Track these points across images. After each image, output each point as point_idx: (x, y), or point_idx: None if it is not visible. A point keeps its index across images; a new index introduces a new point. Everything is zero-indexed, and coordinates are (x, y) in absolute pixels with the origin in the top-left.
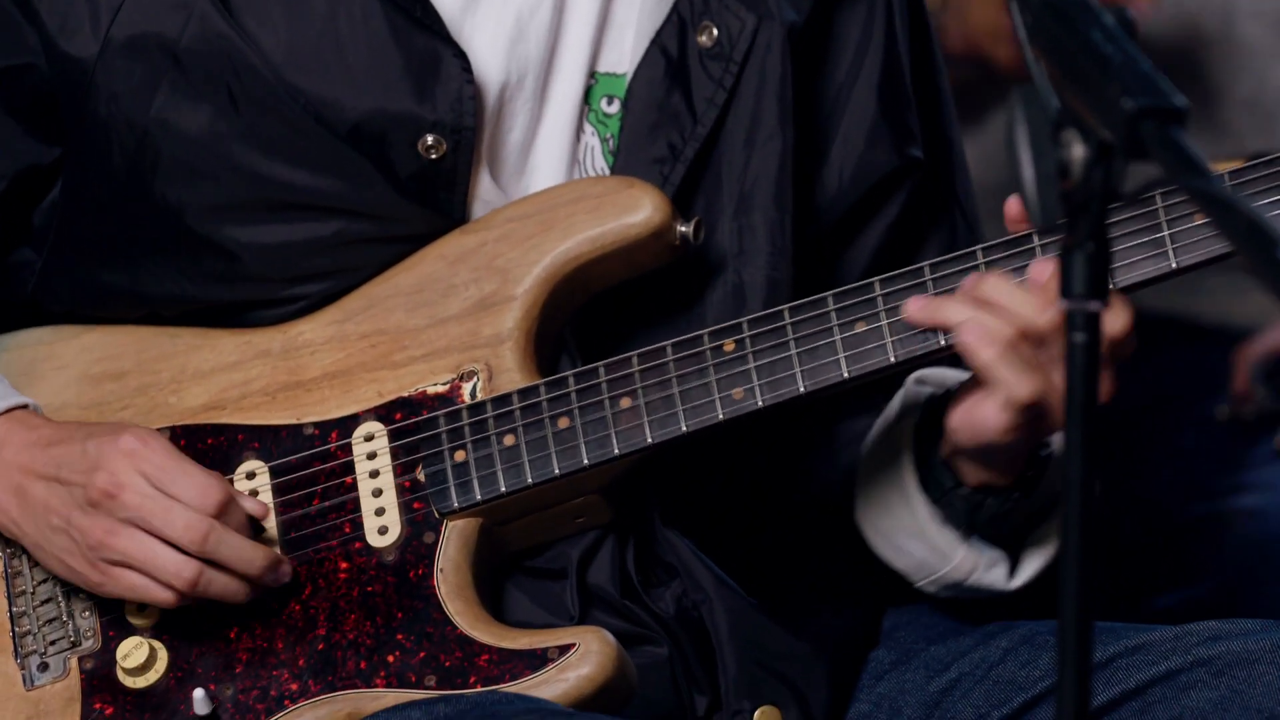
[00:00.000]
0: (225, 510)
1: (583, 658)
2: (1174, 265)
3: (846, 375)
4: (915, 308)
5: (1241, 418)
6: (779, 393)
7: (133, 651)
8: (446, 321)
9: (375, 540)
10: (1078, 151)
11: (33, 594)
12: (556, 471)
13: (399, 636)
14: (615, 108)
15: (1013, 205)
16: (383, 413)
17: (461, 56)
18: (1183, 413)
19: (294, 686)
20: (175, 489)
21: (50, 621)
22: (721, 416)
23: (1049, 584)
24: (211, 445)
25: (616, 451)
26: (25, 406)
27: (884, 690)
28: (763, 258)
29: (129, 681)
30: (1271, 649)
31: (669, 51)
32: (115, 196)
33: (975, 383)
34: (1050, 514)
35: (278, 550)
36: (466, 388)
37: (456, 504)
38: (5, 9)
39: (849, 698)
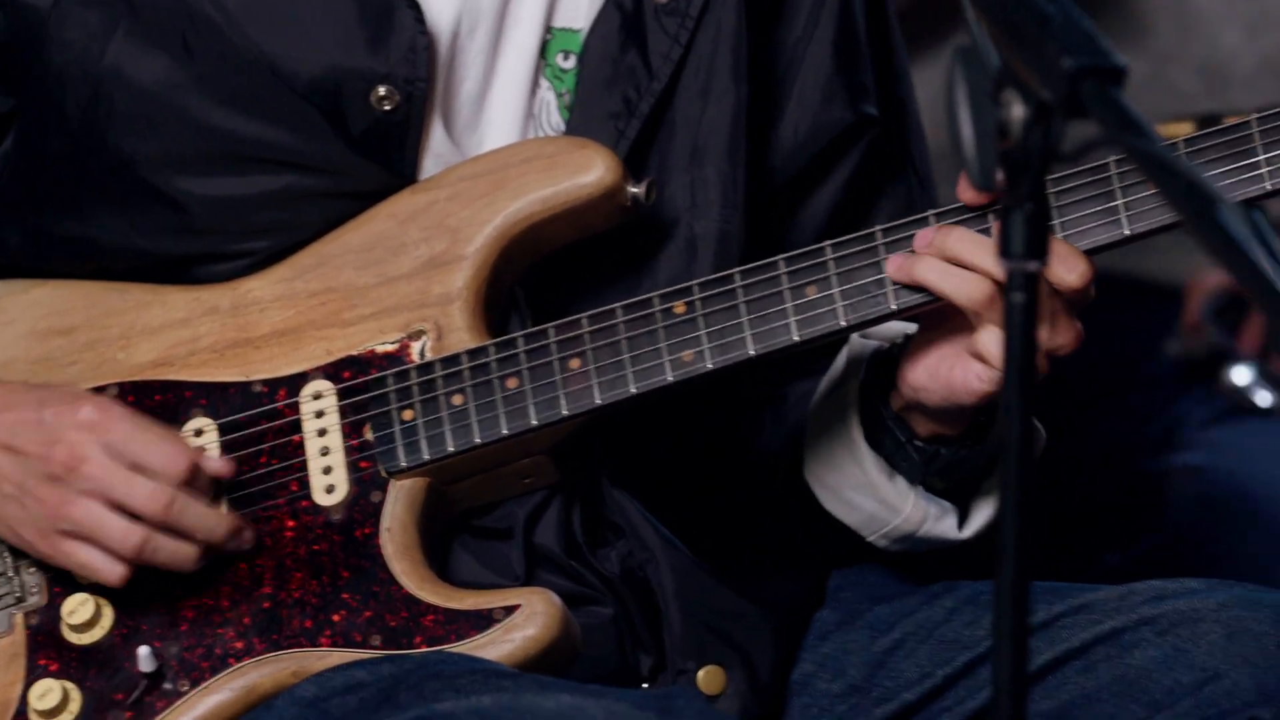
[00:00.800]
0: (192, 477)
1: (528, 619)
2: (1127, 232)
3: (797, 339)
4: (897, 264)
5: (1190, 356)
6: (729, 355)
7: (78, 608)
8: (396, 280)
9: (322, 499)
10: (1017, 111)
11: None
12: (505, 432)
13: (345, 596)
14: (571, 63)
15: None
16: (331, 371)
17: (414, 6)
18: (1127, 371)
19: (239, 645)
20: (140, 458)
21: None
22: (671, 379)
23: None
24: (159, 402)
25: (565, 412)
26: None
27: (829, 650)
28: (715, 210)
29: (74, 638)
30: (1215, 608)
31: (625, 7)
32: (68, 147)
33: (937, 338)
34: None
35: (238, 516)
36: (415, 347)
37: (404, 463)
38: None
39: (794, 658)
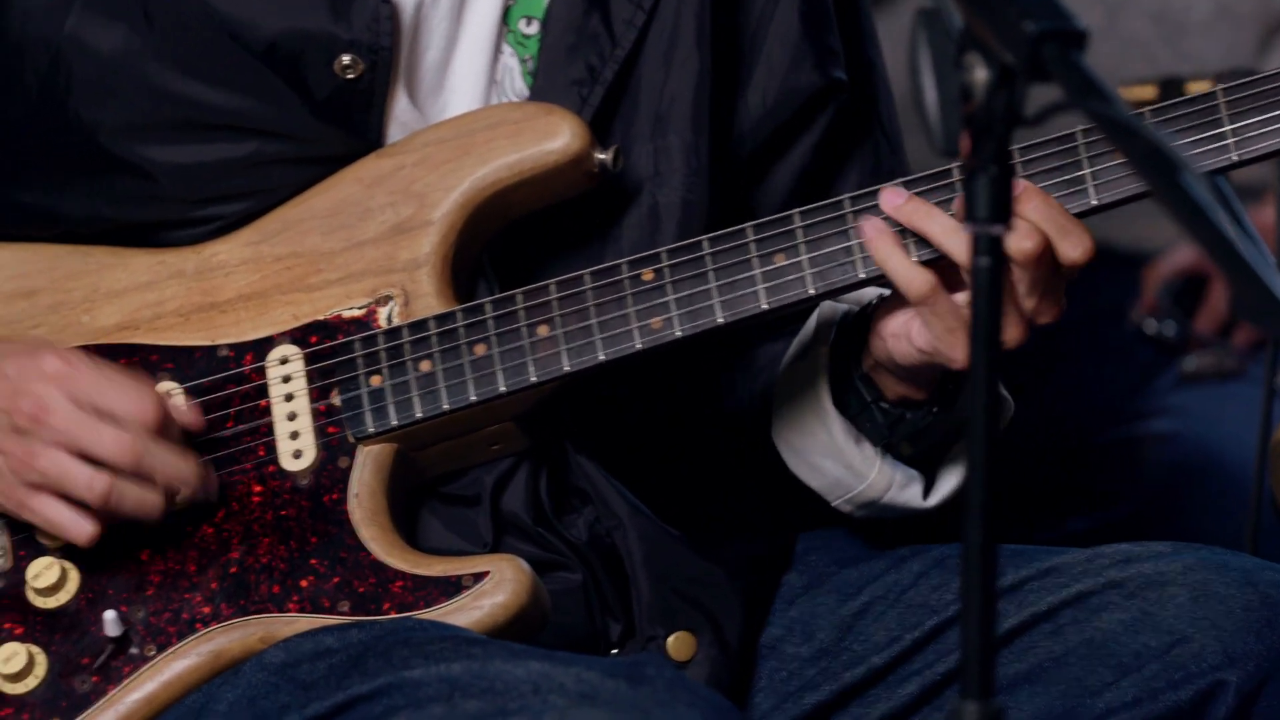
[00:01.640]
0: (161, 424)
1: (497, 585)
2: (1094, 202)
3: (765, 306)
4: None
5: (1154, 337)
6: (698, 323)
7: (43, 572)
8: (363, 245)
9: (289, 464)
10: (980, 74)
11: None
12: (473, 398)
13: (313, 561)
14: (534, 29)
15: None
16: (298, 336)
17: None
18: (1097, 337)
19: (206, 610)
20: (108, 405)
21: None
22: (640, 346)
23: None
24: (124, 366)
25: (533, 379)
26: None
27: (796, 614)
28: (678, 179)
29: (39, 602)
30: (1182, 570)
31: None
32: (29, 115)
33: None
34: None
35: (205, 464)
36: (383, 312)
37: (372, 429)
38: None
39: (763, 622)
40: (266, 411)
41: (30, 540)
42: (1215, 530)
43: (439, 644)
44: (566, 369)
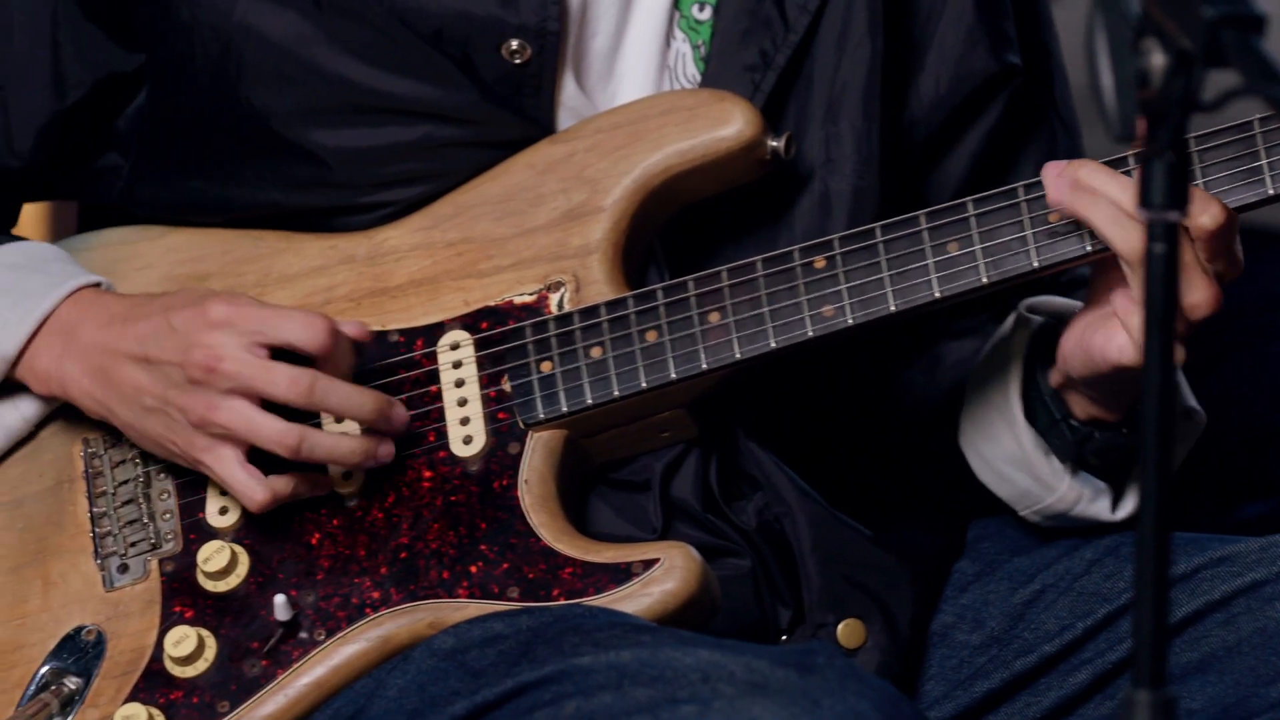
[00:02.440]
0: (333, 341)
1: (667, 572)
2: (1271, 191)
3: (938, 295)
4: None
5: None
6: (869, 311)
7: (214, 555)
8: (534, 231)
9: (460, 449)
10: (1157, 60)
11: (114, 494)
12: (643, 385)
13: (482, 547)
14: (707, 14)
15: None
16: (469, 321)
17: None
18: (1269, 321)
19: (376, 595)
20: (279, 337)
21: (131, 523)
22: (811, 333)
23: None
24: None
25: (704, 366)
26: (97, 285)
27: (968, 602)
28: (849, 166)
29: (209, 585)
30: None
31: None
32: (200, 103)
33: (1094, 310)
34: None
35: (383, 394)
36: (554, 299)
37: (542, 415)
38: None
39: (933, 609)
40: (437, 397)
41: (201, 524)
42: None
43: (608, 631)
44: (738, 356)
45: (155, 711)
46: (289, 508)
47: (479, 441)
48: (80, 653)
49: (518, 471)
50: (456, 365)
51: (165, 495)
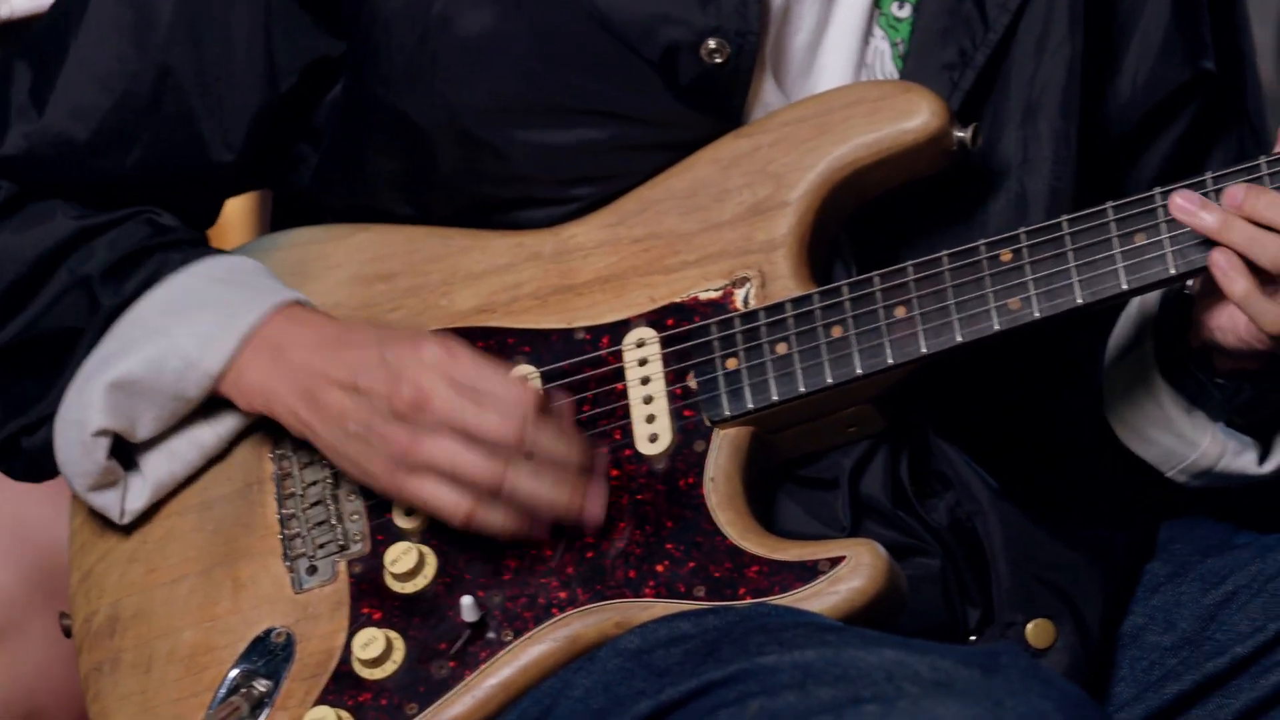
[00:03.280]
0: (539, 412)
1: (854, 570)
2: None
3: (1125, 287)
4: (1181, 200)
5: None
6: (1056, 303)
7: (401, 557)
8: (720, 226)
9: (645, 448)
10: None
11: (302, 496)
12: (829, 381)
13: (668, 546)
14: (906, 11)
15: None
16: (655, 318)
17: None
18: None
19: (563, 595)
20: (489, 389)
21: (319, 525)
22: (998, 327)
23: None
24: (482, 349)
25: (890, 361)
26: (300, 303)
27: (1158, 603)
28: (1047, 167)
29: (397, 587)
30: None
31: None
32: (392, 93)
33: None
34: None
35: (587, 437)
36: (739, 294)
37: (728, 412)
38: None
39: (1124, 610)
40: (623, 395)
41: (388, 525)
42: None
43: (794, 630)
44: (924, 350)
45: (344, 714)
46: None
47: (664, 439)
48: (270, 655)
49: (703, 469)
50: (642, 363)
51: (353, 497)
